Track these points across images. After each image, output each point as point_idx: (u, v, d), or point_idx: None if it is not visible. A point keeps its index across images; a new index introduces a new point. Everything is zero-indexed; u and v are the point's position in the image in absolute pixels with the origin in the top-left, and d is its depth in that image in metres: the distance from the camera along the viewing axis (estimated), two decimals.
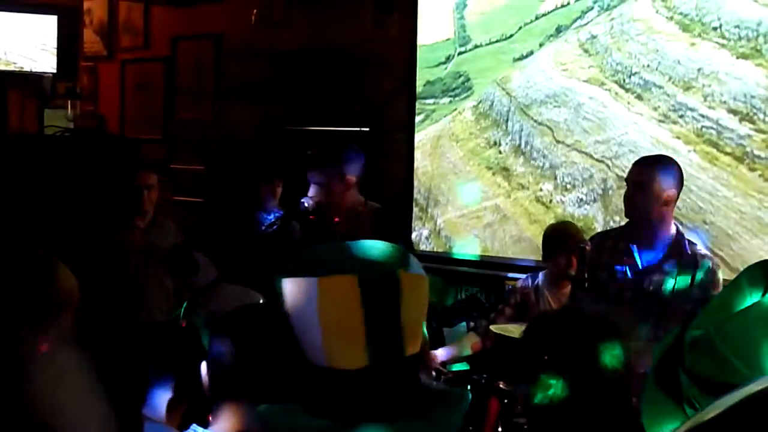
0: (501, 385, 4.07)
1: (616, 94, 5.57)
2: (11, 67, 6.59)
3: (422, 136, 6.47)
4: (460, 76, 6.33)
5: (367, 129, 6.46)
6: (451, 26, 6.37)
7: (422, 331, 1.56)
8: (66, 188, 6.24)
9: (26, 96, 6.74)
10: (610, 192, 5.54)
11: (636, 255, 3.82)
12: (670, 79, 5.36)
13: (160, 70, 7.85)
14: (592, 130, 5.66)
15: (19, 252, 2.93)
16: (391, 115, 6.43)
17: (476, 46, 6.27)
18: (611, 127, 5.59)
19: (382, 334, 1.45)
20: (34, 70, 6.66)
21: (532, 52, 5.96)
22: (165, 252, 5.12)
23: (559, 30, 5.83)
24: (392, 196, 6.26)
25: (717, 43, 5.16)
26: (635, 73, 5.49)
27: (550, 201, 5.80)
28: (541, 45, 5.91)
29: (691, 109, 5.26)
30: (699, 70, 5.23)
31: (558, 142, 5.80)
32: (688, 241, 3.89)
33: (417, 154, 6.50)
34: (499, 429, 3.89)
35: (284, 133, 6.86)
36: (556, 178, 5.81)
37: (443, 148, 6.41)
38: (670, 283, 3.76)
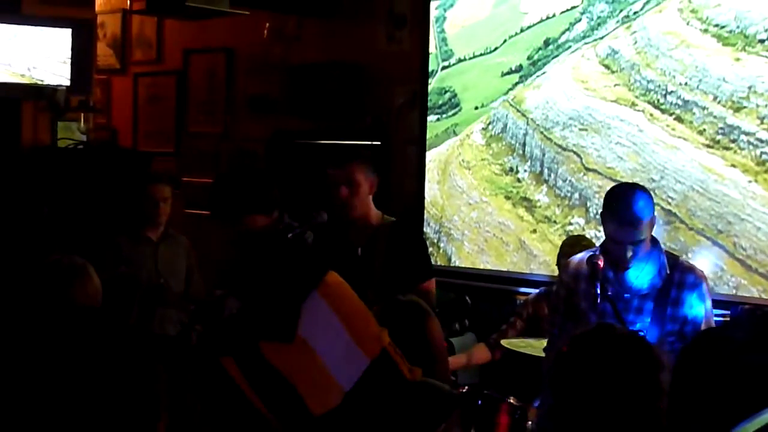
0: (511, 400, 4.07)
1: (651, 115, 5.12)
2: (26, 80, 6.63)
3: (427, 161, 6.23)
4: (446, 92, 6.20)
5: (379, 143, 6.47)
6: (432, 40, 6.28)
7: (338, 388, 1.51)
8: (78, 201, 6.26)
9: (40, 109, 6.77)
10: (655, 227, 4.88)
11: (617, 281, 3.63)
12: (715, 98, 4.88)
13: (173, 84, 7.88)
14: (627, 156, 5.19)
15: (55, 256, 2.97)
16: (402, 129, 6.44)
17: (460, 60, 6.14)
18: (650, 152, 5.10)
19: (277, 404, 1.42)
20: (48, 83, 6.69)
21: (521, 66, 5.78)
22: (176, 263, 5.14)
23: (547, 43, 5.66)
24: (404, 210, 6.26)
25: (767, 57, 4.72)
26: (671, 92, 5.05)
27: None
28: (529, 58, 5.74)
29: (746, 133, 4.75)
30: (750, 88, 4.75)
31: (588, 169, 5.39)
32: (669, 254, 3.72)
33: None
34: None
35: (295, 146, 6.87)
36: (588, 211, 5.34)
37: (453, 175, 6.09)
38: (650, 305, 3.60)
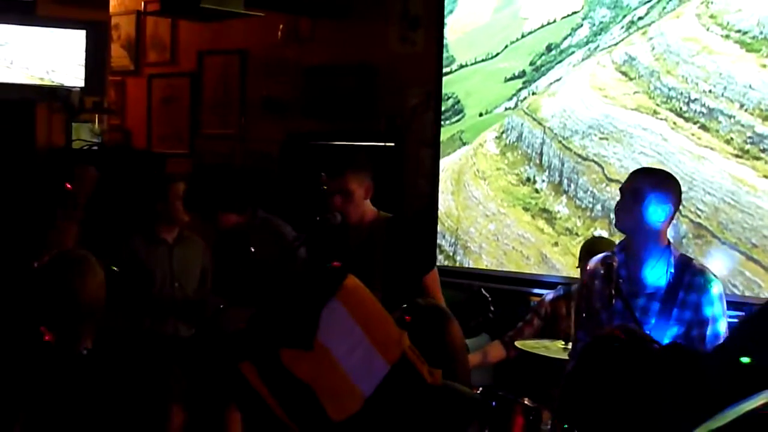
0: (526, 402, 4.04)
1: (675, 124, 5.00)
2: (40, 82, 6.64)
3: (439, 170, 6.13)
4: (449, 98, 6.17)
5: (393, 144, 6.47)
6: None
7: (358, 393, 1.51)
8: (93, 202, 6.27)
9: (54, 110, 6.79)
10: (684, 241, 4.85)
11: (628, 277, 3.58)
12: (742, 106, 4.75)
13: (187, 85, 7.90)
14: (651, 165, 4.83)
15: (63, 252, 2.98)
16: (416, 130, 6.43)
17: (461, 66, 6.13)
18: (676, 162, 4.93)
19: (296, 410, 1.44)
20: (62, 85, 6.71)
21: (524, 72, 5.77)
22: (192, 266, 5.14)
23: (549, 48, 5.63)
24: (417, 211, 6.25)
25: None
26: (695, 99, 4.92)
27: None
28: (531, 64, 5.71)
29: None
30: None
31: (610, 180, 5.24)
32: (682, 256, 3.66)
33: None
34: None
35: (309, 148, 6.87)
36: (611, 222, 4.98)
37: (468, 186, 5.99)
38: (656, 306, 3.54)
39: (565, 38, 5.58)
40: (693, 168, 4.93)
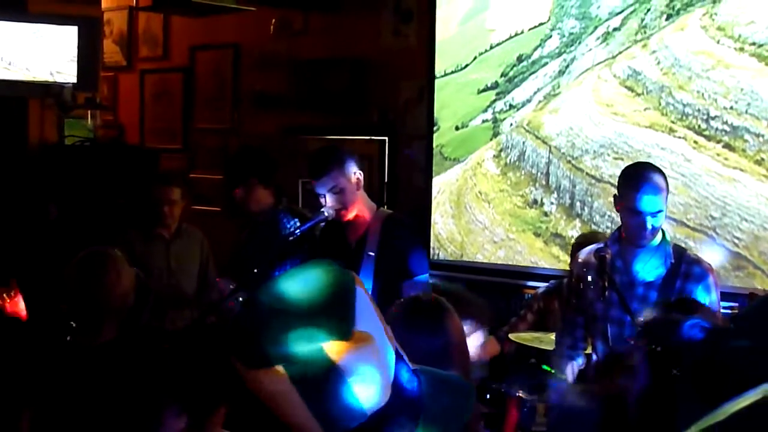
0: (520, 394, 4.06)
1: (696, 143, 4.65)
2: (32, 78, 6.64)
3: (436, 192, 5.87)
4: None
5: (386, 138, 6.47)
6: None
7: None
8: (86, 198, 6.28)
9: (47, 106, 6.79)
10: (722, 271, 4.40)
11: (625, 269, 3.65)
12: None
13: (179, 80, 7.89)
14: (675, 188, 4.52)
15: (92, 248, 3.03)
16: (409, 123, 6.44)
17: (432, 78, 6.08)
18: (703, 185, 4.59)
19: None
20: (54, 81, 6.70)
21: (496, 83, 5.66)
22: (189, 261, 5.14)
23: (520, 59, 5.54)
24: (411, 204, 6.26)
25: None
26: (714, 116, 4.58)
27: None
28: (503, 75, 5.62)
29: None
30: None
31: None
32: (676, 246, 3.71)
33: (436, 217, 5.84)
34: None
35: (303, 142, 6.88)
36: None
37: (470, 208, 5.71)
38: (654, 295, 3.57)
39: (536, 49, 5.48)
40: (724, 191, 4.57)
